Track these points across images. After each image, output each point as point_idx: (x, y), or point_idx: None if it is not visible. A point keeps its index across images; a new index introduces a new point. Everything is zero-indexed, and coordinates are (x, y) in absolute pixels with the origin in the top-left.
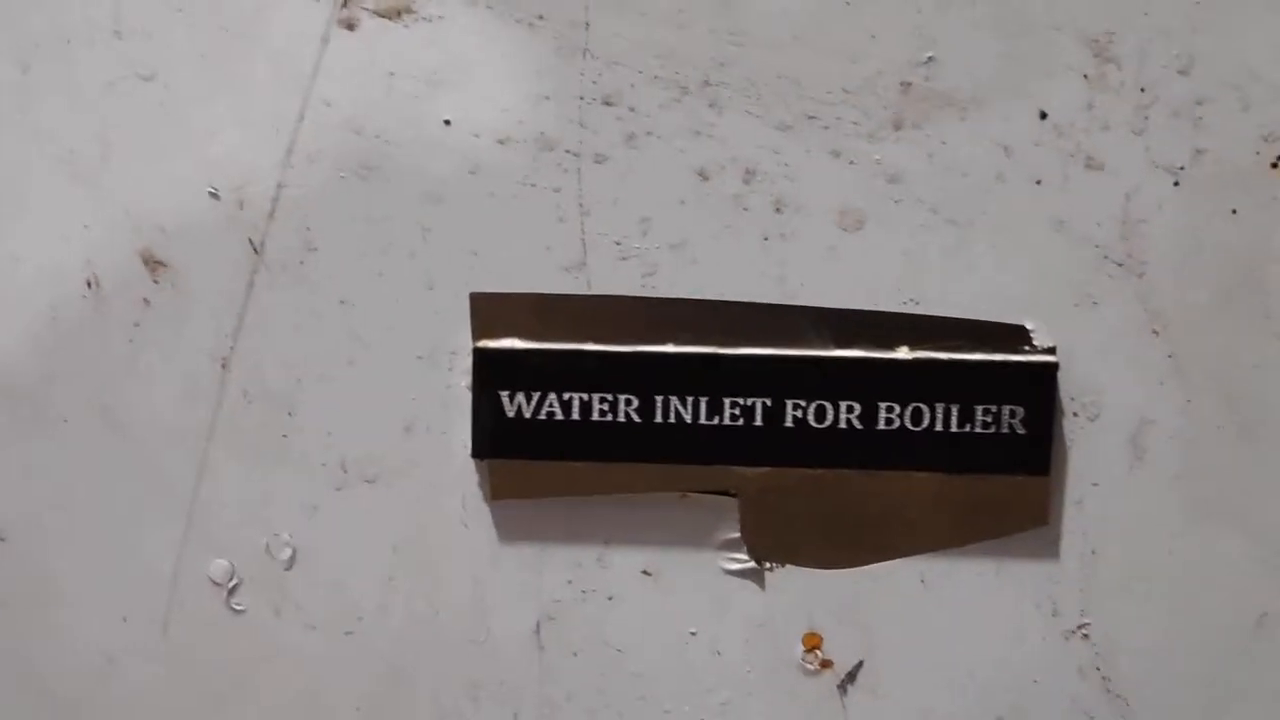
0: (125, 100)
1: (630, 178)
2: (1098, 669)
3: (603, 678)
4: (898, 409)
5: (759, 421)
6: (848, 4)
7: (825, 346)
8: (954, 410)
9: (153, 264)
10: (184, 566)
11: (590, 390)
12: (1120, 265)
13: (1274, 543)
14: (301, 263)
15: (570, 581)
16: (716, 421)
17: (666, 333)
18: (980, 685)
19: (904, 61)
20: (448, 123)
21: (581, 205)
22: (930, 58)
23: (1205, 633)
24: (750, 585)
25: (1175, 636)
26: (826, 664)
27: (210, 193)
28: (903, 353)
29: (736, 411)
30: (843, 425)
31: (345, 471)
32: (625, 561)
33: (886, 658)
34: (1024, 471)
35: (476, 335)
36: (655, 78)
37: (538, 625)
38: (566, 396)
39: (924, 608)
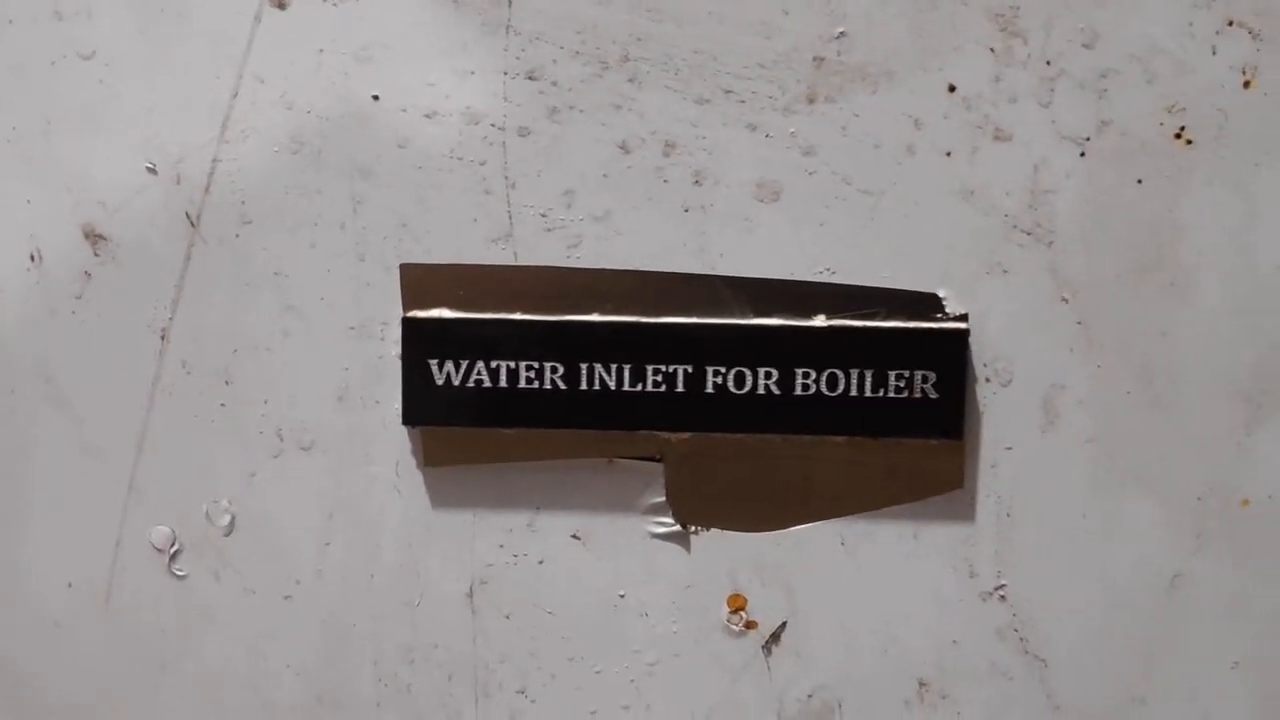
0: (66, 79)
1: (554, 151)
2: (1015, 630)
3: (534, 640)
4: (814, 375)
5: (681, 388)
6: None
7: (744, 315)
8: (868, 376)
9: (93, 238)
10: (126, 533)
11: (517, 359)
12: (1029, 234)
13: (1184, 505)
14: (237, 235)
15: (502, 546)
16: (640, 388)
17: (591, 302)
18: (901, 646)
19: (816, 37)
20: (376, 98)
21: (507, 178)
22: (842, 33)
23: (1120, 593)
24: (676, 548)
25: (1090, 597)
26: (751, 625)
27: (148, 168)
28: (819, 320)
29: (659, 378)
30: (761, 391)
31: (281, 440)
32: (555, 526)
33: (809, 619)
34: (938, 436)
35: (406, 305)
36: (576, 53)
37: (471, 589)
38: (494, 365)
39: (844, 570)
